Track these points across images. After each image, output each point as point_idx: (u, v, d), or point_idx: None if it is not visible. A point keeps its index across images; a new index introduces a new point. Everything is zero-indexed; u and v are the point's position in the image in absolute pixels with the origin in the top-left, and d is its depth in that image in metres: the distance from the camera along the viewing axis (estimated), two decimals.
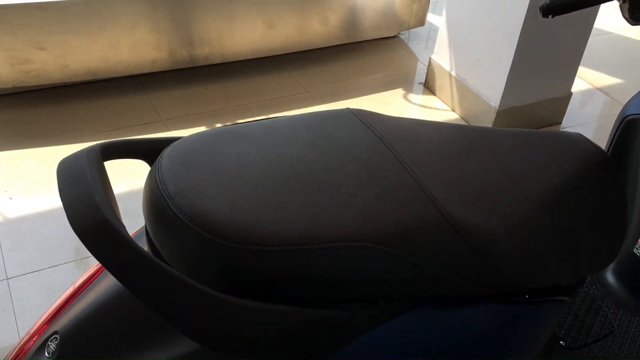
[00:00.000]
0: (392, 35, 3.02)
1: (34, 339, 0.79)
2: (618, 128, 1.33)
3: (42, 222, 1.82)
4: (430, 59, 2.61)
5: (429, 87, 2.65)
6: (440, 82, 2.57)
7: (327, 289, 0.69)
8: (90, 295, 0.80)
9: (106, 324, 0.75)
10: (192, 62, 2.50)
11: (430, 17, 3.18)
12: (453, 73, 2.47)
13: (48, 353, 0.75)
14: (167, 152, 0.75)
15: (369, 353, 0.72)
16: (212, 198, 0.68)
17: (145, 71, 2.42)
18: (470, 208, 0.76)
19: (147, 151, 0.79)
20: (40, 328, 0.80)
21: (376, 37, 2.94)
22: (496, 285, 0.76)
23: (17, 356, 0.79)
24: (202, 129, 2.27)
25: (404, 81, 2.72)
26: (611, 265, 1.37)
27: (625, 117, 1.32)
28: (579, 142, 0.92)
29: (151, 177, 0.72)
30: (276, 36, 2.59)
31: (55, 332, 0.76)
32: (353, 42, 2.89)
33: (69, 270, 1.67)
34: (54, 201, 1.89)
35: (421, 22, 2.95)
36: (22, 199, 1.89)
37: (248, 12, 2.47)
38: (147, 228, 0.72)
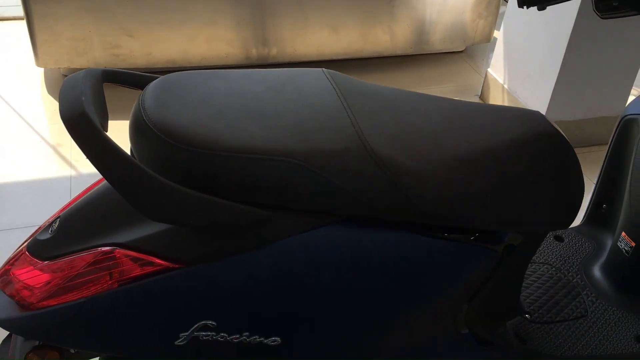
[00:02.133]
0: (459, 50, 3.11)
1: (46, 223, 1.00)
2: (617, 128, 1.38)
3: None
4: (486, 72, 2.68)
5: (483, 99, 2.72)
6: (494, 95, 2.63)
7: (253, 193, 0.84)
8: (93, 190, 1.00)
9: (95, 209, 0.94)
10: (261, 60, 2.74)
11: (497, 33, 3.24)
12: (506, 86, 2.53)
13: (50, 232, 0.95)
14: (155, 81, 0.94)
15: (286, 257, 0.86)
16: (175, 112, 0.86)
17: (217, 64, 2.68)
18: (395, 148, 0.89)
19: (145, 83, 0.99)
20: (54, 215, 1.02)
21: (442, 51, 3.05)
22: (409, 215, 0.88)
23: (33, 234, 1.00)
24: None
25: (461, 93, 2.80)
26: (598, 258, 1.40)
27: (623, 117, 1.37)
28: (535, 118, 1.02)
29: (138, 97, 0.92)
30: (340, 41, 2.77)
31: (58, 217, 0.97)
32: (418, 54, 3.01)
33: None
34: None
35: (487, 38, 3.03)
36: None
37: (316, 15, 2.68)
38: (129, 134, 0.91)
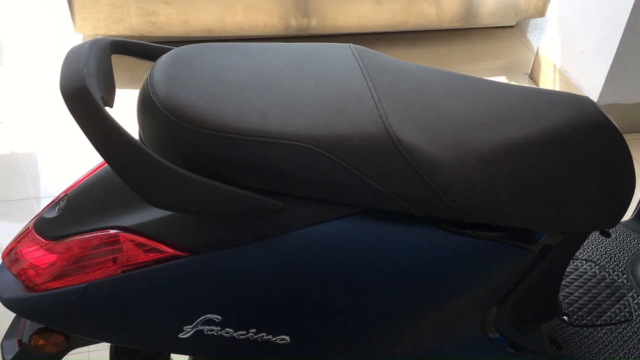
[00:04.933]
0: (510, 24, 2.94)
1: (54, 200, 0.96)
2: None
3: None
4: (537, 49, 2.52)
5: (533, 78, 2.57)
6: (545, 74, 2.48)
7: (266, 180, 0.77)
8: (102, 168, 0.95)
9: (102, 189, 0.89)
10: (300, 31, 2.65)
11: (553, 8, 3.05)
12: (558, 65, 2.38)
13: (57, 210, 0.91)
14: (168, 53, 0.88)
15: (299, 249, 0.79)
16: (184, 88, 0.79)
17: (255, 34, 2.61)
18: (424, 137, 0.80)
19: (158, 55, 0.93)
20: (63, 192, 0.98)
21: (491, 25, 2.89)
22: (436, 210, 0.80)
23: (41, 212, 0.97)
24: None
25: (509, 71, 2.65)
26: None
27: None
28: (583, 104, 0.91)
29: (148, 71, 0.85)
30: (383, 12, 2.65)
31: (66, 195, 0.93)
32: (465, 28, 2.87)
33: None
34: None
35: (541, 12, 2.85)
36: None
37: None
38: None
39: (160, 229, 0.81)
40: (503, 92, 0.93)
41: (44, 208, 0.96)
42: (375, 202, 0.79)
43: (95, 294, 0.83)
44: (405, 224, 0.81)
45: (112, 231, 0.84)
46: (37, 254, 0.89)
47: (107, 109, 0.77)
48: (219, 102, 0.78)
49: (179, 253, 0.81)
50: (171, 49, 0.93)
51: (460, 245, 0.83)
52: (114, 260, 0.84)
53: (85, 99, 0.72)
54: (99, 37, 2.62)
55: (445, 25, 2.79)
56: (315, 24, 2.63)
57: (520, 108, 0.89)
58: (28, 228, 0.92)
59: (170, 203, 0.75)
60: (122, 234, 0.84)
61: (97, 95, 0.74)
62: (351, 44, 0.97)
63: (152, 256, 0.82)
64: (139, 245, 0.83)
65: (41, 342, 0.92)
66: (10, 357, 0.93)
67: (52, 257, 0.87)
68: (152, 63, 0.93)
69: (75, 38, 2.68)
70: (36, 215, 0.97)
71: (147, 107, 0.79)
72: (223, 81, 0.82)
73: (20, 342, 0.93)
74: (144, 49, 0.93)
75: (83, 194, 0.91)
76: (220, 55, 0.88)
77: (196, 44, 0.91)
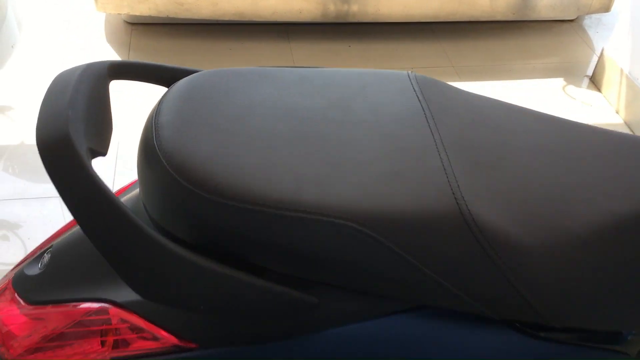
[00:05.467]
0: (570, 18, 2.68)
1: (36, 250, 0.79)
2: None
3: None
4: (602, 50, 2.27)
5: (595, 81, 2.32)
6: (609, 78, 2.22)
7: (297, 264, 0.59)
8: None
9: (92, 246, 0.72)
10: (339, 18, 2.43)
11: (619, 3, 2.77)
12: (626, 69, 2.13)
13: (40, 266, 0.74)
14: (180, 82, 0.70)
15: (334, 352, 0.61)
16: (197, 136, 0.61)
17: (290, 20, 2.40)
18: (506, 213, 0.61)
19: (169, 79, 0.74)
20: (47, 240, 0.81)
21: (549, 19, 2.63)
22: (515, 312, 0.61)
23: (19, 264, 0.80)
24: None
25: (568, 71, 2.40)
26: None
27: None
28: None
29: (155, 105, 0.67)
30: (431, 1, 2.41)
31: (51, 246, 0.76)
32: (520, 21, 2.61)
33: None
34: None
35: (606, 7, 2.57)
36: None
37: None
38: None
39: (161, 312, 0.64)
40: (602, 142, 0.72)
41: (25, 258, 0.80)
42: (435, 298, 0.60)
43: None
44: (470, 325, 0.62)
45: (101, 304, 0.68)
46: (15, 320, 0.72)
47: (97, 159, 0.59)
48: (242, 160, 0.59)
49: (183, 344, 0.64)
50: (189, 72, 0.74)
51: (544, 352, 0.64)
52: (102, 342, 0.67)
53: (64, 154, 0.55)
54: (123, 16, 2.45)
55: (499, 17, 2.54)
56: (355, 10, 2.41)
57: (629, 169, 0.68)
58: (6, 283, 0.76)
59: (172, 299, 0.57)
60: (113, 308, 0.67)
61: (82, 147, 0.56)
62: (410, 72, 0.77)
63: (150, 345, 0.65)
64: (134, 328, 0.65)
65: None
66: None
67: (29, 325, 0.71)
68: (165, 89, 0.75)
69: (96, 18, 2.51)
70: (15, 266, 0.80)
71: (149, 157, 0.61)
72: (248, 128, 0.63)
73: None
74: (153, 71, 0.74)
75: (70, 250, 0.73)
76: (247, 87, 0.69)
77: (218, 70, 0.72)
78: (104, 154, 0.62)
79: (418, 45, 2.47)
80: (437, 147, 0.64)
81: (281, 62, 2.32)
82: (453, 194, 0.60)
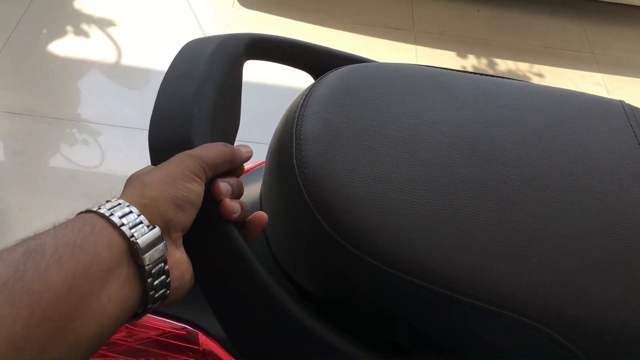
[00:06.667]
0: None
1: None
2: None
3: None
4: None
5: None
6: None
7: (453, 355, 0.44)
8: None
9: None
10: None
11: None
12: None
13: None
14: (331, 77, 0.54)
15: None
16: (352, 166, 0.45)
17: None
18: None
19: (313, 62, 0.59)
20: None
21: None
22: None
23: None
24: (451, 54, 1.99)
25: None
26: None
27: None
28: None
29: (295, 100, 0.52)
30: None
31: None
32: None
33: None
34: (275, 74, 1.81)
35: None
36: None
37: None
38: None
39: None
40: None
41: None
42: None
43: None
44: None
45: (189, 328, 0.56)
46: None
47: None
48: (411, 211, 0.44)
49: None
50: (343, 58, 0.58)
51: None
52: None
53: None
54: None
55: None
56: None
57: None
58: None
59: None
60: (202, 336, 0.55)
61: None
62: (624, 103, 0.58)
63: None
64: None
65: None
66: None
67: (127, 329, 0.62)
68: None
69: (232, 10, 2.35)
70: None
71: (283, 177, 0.47)
72: (418, 161, 0.47)
73: None
74: (300, 52, 0.58)
75: None
76: (416, 96, 0.53)
77: (381, 65, 0.56)
78: None
79: (555, 22, 2.18)
80: None
81: (399, 20, 2.10)
82: None
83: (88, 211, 0.35)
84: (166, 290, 0.36)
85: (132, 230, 0.34)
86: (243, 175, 0.73)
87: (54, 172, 1.47)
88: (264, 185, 0.52)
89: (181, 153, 0.38)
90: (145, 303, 0.35)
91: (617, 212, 0.46)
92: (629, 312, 0.42)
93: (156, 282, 0.35)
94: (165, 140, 0.41)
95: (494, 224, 0.44)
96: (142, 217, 0.35)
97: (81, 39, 1.84)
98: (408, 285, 0.41)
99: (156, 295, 0.35)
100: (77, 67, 1.74)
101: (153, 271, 0.34)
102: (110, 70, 1.76)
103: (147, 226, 0.35)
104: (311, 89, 0.52)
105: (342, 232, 0.42)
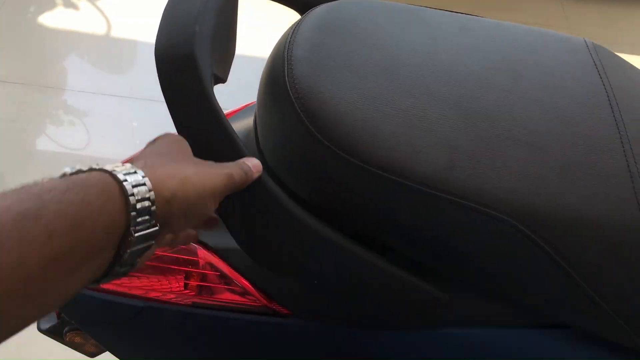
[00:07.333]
0: None
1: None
2: None
3: None
4: None
5: None
6: None
7: (433, 252, 0.50)
8: None
9: None
10: None
11: None
12: None
13: None
14: (319, 10, 0.59)
15: (451, 353, 0.53)
16: (336, 81, 0.51)
17: None
18: None
19: (304, 3, 0.64)
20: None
21: None
22: None
23: None
24: None
25: None
26: None
27: None
28: None
29: (286, 31, 0.57)
30: None
31: None
32: None
33: None
34: None
35: None
36: None
37: None
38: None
39: (256, 269, 0.57)
40: None
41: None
42: (586, 322, 0.50)
43: (152, 319, 0.60)
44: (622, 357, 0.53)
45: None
46: None
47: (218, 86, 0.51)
48: (388, 119, 0.49)
49: (274, 307, 0.57)
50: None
51: None
52: (185, 285, 0.61)
53: (186, 78, 0.46)
54: None
55: None
56: None
57: None
58: None
59: (283, 266, 0.49)
60: (201, 250, 0.60)
61: (206, 72, 0.47)
62: (587, 40, 0.64)
63: (237, 299, 0.58)
64: (223, 277, 0.59)
65: (78, 339, 0.73)
66: (46, 327, 0.75)
67: None
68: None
69: None
70: None
71: (276, 95, 0.52)
72: (395, 79, 0.52)
73: (59, 315, 0.74)
74: None
75: None
76: (397, 27, 0.58)
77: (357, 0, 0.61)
78: (224, 80, 0.53)
79: None
80: (621, 142, 0.52)
81: None
82: (636, 200, 0.48)
83: (114, 178, 0.33)
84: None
85: (138, 227, 0.33)
86: (237, 112, 0.78)
87: (45, 138, 1.50)
88: (258, 105, 0.57)
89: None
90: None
91: (572, 124, 0.52)
92: (582, 203, 0.47)
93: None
94: (171, 51, 0.46)
95: (465, 132, 0.49)
96: (154, 219, 0.35)
97: (70, 10, 1.86)
98: (386, 182, 0.47)
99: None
100: (68, 39, 1.77)
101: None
102: (99, 41, 1.79)
103: (153, 226, 0.35)
104: (302, 19, 0.57)
105: (327, 135, 0.47)
